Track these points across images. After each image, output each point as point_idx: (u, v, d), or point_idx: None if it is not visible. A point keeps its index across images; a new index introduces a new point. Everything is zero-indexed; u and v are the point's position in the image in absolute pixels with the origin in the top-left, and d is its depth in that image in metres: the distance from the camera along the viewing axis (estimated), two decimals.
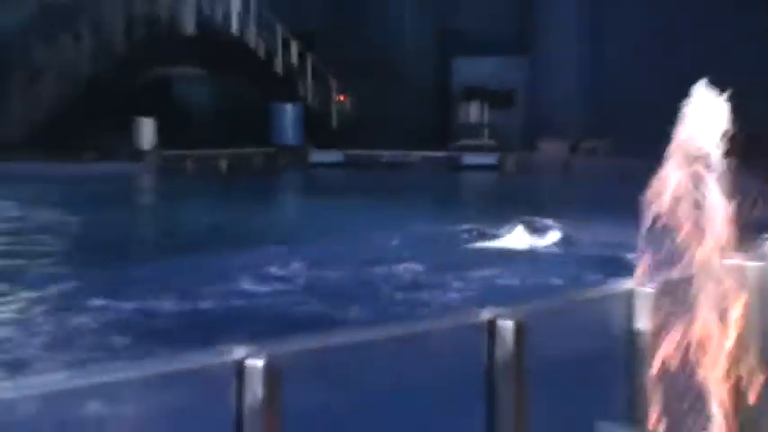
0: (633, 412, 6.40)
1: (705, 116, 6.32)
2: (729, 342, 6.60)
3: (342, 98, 39.26)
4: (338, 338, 6.01)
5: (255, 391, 5.34)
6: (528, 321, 6.20)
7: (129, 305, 17.13)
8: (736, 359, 6.71)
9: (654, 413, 6.41)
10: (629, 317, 6.62)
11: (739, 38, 31.93)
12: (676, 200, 6.29)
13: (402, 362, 6.67)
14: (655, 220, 6.15)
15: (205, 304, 17.37)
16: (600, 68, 35.31)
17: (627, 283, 6.73)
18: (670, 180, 6.26)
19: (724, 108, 6.30)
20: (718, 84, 6.40)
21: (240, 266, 19.29)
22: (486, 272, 20.48)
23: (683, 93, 6.49)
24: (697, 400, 6.47)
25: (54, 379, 5.25)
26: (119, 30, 37.65)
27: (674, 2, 34.11)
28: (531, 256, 21.37)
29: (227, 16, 38.62)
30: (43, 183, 30.37)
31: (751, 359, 6.95)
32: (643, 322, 6.59)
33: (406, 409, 7.44)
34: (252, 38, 38.69)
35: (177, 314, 16.69)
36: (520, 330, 6.16)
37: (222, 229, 24.80)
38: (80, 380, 5.48)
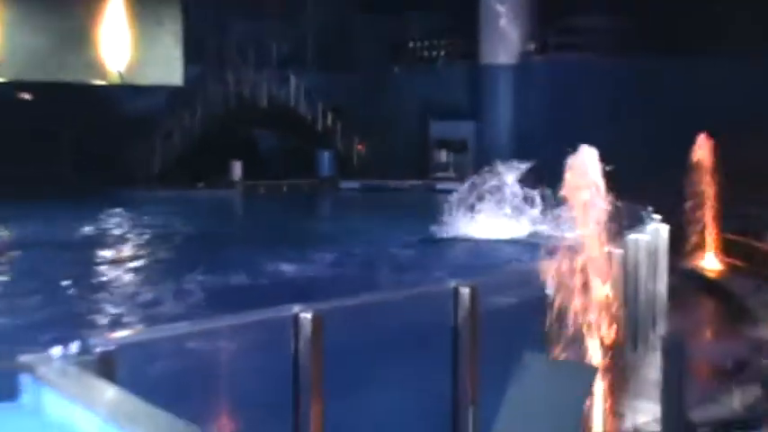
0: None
1: (586, 160, 6.37)
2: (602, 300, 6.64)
3: (360, 147, 39.30)
4: (355, 300, 6.05)
5: (306, 333, 5.38)
6: (483, 287, 6.24)
7: (224, 278, 17.14)
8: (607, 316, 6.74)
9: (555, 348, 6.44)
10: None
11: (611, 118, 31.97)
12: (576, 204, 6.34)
13: (395, 316, 6.70)
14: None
15: (273, 277, 17.36)
16: (521, 128, 35.39)
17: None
18: (571, 192, 6.31)
19: (595, 157, 6.36)
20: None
21: (297, 253, 19.31)
22: (449, 252, 20.60)
23: (574, 146, 6.55)
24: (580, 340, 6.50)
25: (180, 325, 5.29)
26: (219, 103, 37.67)
27: (567, 89, 34.14)
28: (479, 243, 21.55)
29: (287, 94, 38.64)
30: (172, 203, 30.45)
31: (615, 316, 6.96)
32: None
33: (398, 346, 7.44)
34: (302, 108, 38.70)
35: (256, 284, 16.69)
36: (474, 294, 6.20)
37: (285, 229, 24.83)
38: (195, 325, 5.51)
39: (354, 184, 35.97)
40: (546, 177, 16.02)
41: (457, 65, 38.48)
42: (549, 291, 6.56)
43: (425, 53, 40.02)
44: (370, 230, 23.74)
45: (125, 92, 36.50)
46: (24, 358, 6.71)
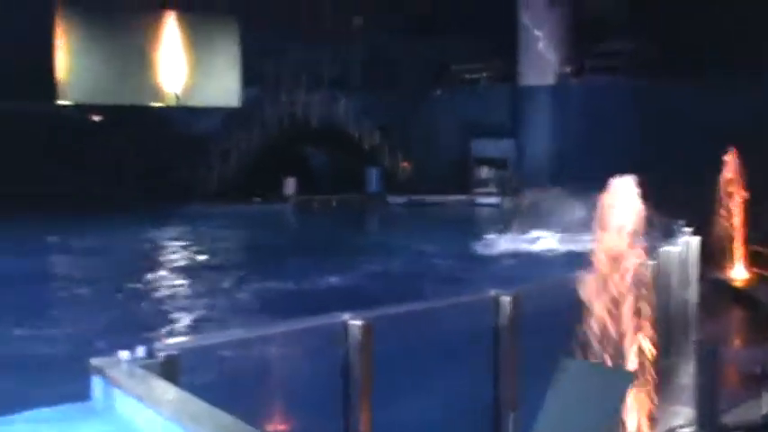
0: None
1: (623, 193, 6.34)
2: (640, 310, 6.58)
3: (405, 164, 39.31)
4: (402, 309, 6.05)
5: (355, 340, 5.39)
6: (522, 296, 6.21)
7: (280, 284, 17.24)
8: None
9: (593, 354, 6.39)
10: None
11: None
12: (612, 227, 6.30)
13: (439, 324, 6.69)
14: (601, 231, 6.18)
15: (326, 284, 17.43)
16: (559, 146, 35.21)
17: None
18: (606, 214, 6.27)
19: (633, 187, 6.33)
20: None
21: (348, 264, 19.38)
22: (493, 262, 20.53)
23: (608, 163, 6.52)
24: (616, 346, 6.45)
25: (237, 331, 5.32)
26: (273, 123, 37.91)
27: (602, 109, 34.04)
28: (524, 254, 21.44)
29: (337, 114, 38.82)
30: (229, 217, 30.71)
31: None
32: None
33: (442, 351, 7.41)
34: (351, 128, 38.83)
35: (310, 291, 16.78)
36: (516, 302, 6.17)
37: (337, 242, 24.92)
38: (251, 332, 5.55)
39: (400, 199, 36.03)
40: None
41: (497, 86, 38.46)
42: (588, 299, 6.52)
43: (467, 75, 40.05)
44: (417, 243, 23.75)
45: (184, 113, 36.92)
46: (95, 361, 6.81)
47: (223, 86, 38.51)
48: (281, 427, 7.20)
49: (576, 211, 21.62)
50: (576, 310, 6.63)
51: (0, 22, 31.90)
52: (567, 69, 36.27)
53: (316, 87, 38.49)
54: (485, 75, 39.56)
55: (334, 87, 38.87)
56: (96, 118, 35.47)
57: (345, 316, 5.67)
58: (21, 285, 17.13)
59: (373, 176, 37.99)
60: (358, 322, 5.67)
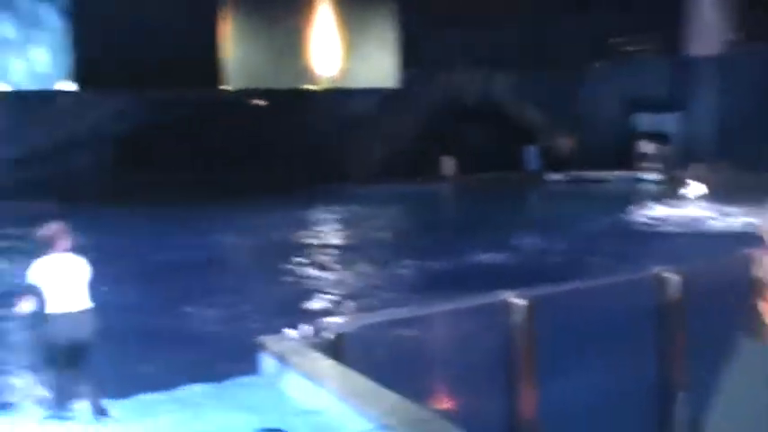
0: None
1: None
2: None
3: (565, 140, 38.72)
4: (564, 288, 5.97)
5: (518, 319, 5.36)
6: (691, 275, 6.00)
7: (440, 263, 17.28)
8: None
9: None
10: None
11: None
12: None
13: (604, 302, 6.54)
14: None
15: (486, 262, 17.40)
16: (726, 119, 33.91)
17: None
18: None
19: None
20: None
21: (512, 242, 19.29)
22: (658, 238, 20.02)
23: None
24: None
25: (401, 310, 5.37)
26: (431, 103, 38.01)
27: None
28: (689, 229, 20.82)
29: (494, 93, 38.65)
30: (388, 197, 31.06)
31: None
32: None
33: (607, 331, 7.25)
34: (509, 106, 38.57)
35: (471, 269, 16.75)
36: (685, 280, 5.98)
37: (496, 218, 24.78)
38: (416, 311, 5.58)
39: (560, 177, 35.61)
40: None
41: (658, 59, 37.34)
42: (763, 277, 6.26)
43: (626, 48, 39.06)
44: (579, 220, 23.41)
45: (342, 95, 37.39)
46: (264, 339, 7.04)
47: (380, 68, 38.85)
48: (446, 404, 7.24)
49: (746, 185, 20.82)
50: (748, 288, 6.39)
51: (163, 9, 33.10)
52: (736, 37, 34.84)
53: (473, 66, 38.34)
54: (645, 47, 38.48)
55: (491, 66, 38.64)
56: (259, 102, 36.38)
57: (508, 294, 5.65)
58: (194, 268, 17.82)
59: (531, 154, 37.66)
60: (521, 301, 5.63)
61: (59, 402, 7.65)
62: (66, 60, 33.62)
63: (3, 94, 32.45)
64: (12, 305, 7.44)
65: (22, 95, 32.49)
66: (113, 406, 7.55)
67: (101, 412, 7.63)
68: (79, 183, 30.17)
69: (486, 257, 17.89)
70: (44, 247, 7.68)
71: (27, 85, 33.05)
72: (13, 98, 32.36)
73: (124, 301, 13.27)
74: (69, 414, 7.62)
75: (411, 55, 38.34)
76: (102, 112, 32.73)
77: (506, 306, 5.78)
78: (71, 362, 7.64)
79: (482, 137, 37.68)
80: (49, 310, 7.63)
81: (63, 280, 7.67)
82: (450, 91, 38.43)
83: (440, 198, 33.53)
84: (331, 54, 38.57)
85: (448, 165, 36.24)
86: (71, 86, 33.63)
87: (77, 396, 7.62)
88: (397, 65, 38.97)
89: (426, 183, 34.38)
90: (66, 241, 7.80)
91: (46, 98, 32.78)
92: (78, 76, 33.49)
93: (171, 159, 31.14)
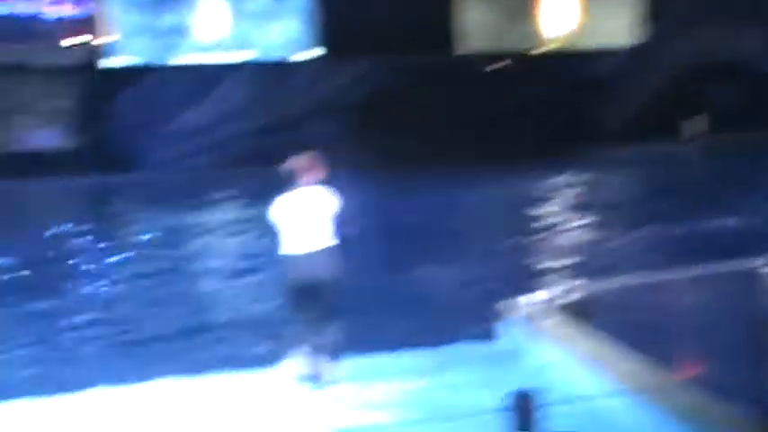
0: None
1: None
2: None
3: None
4: None
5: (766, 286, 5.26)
6: None
7: (688, 227, 16.60)
8: None
9: None
10: None
11: None
12: None
13: None
14: None
15: (734, 228, 16.60)
16: None
17: None
18: None
19: None
20: None
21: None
22: None
23: None
24: None
25: (648, 274, 5.38)
26: (675, 62, 36.67)
27: None
28: None
29: (743, 49, 36.73)
30: (632, 159, 30.29)
31: None
32: None
33: None
34: (761, 63, 36.67)
35: (719, 234, 16.04)
36: None
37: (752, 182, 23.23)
38: (662, 275, 5.58)
39: None
40: None
41: None
42: None
43: None
44: None
45: (579, 56, 36.68)
46: (507, 303, 7.19)
47: (620, 25, 37.85)
48: (691, 371, 7.18)
49: None
50: None
51: None
52: None
53: (720, 21, 36.61)
54: None
55: (740, 20, 36.75)
56: (496, 66, 36.38)
57: (759, 262, 5.54)
58: (436, 230, 18.18)
59: None
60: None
61: (315, 357, 7.29)
62: (313, 28, 35.04)
63: (250, 65, 34.43)
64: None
65: (266, 64, 34.36)
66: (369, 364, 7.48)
67: (319, 376, 7.25)
68: (325, 147, 31.31)
69: (736, 223, 17.12)
70: (289, 181, 7.39)
71: (276, 53, 34.90)
72: (258, 67, 34.29)
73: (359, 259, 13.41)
74: (325, 374, 7.31)
75: (653, 10, 37.21)
76: (344, 79, 33.92)
77: (756, 274, 5.69)
78: (310, 308, 7.23)
79: (731, 95, 36.03)
80: (285, 250, 7.28)
81: (304, 216, 7.26)
82: (695, 46, 36.93)
83: (687, 160, 32.32)
84: (567, 12, 37.98)
85: (695, 125, 35.00)
86: (319, 52, 35.04)
87: (315, 350, 7.26)
88: (638, 21, 37.89)
89: (672, 144, 33.32)
90: (316, 173, 7.50)
91: (289, 67, 34.62)
92: (325, 43, 34.81)
93: (412, 124, 31.76)
